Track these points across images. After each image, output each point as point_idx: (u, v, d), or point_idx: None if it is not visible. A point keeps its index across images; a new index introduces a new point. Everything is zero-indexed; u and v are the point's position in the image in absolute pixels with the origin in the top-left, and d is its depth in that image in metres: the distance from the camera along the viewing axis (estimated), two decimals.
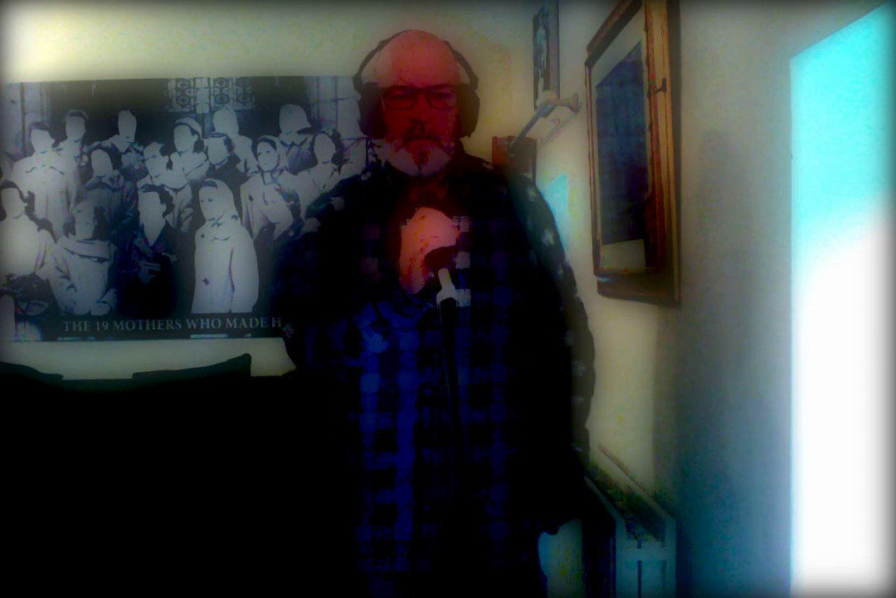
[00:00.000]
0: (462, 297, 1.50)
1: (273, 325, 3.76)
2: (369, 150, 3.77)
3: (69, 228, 3.81)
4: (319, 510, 1.63)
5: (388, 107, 1.50)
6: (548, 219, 1.64)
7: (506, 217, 1.59)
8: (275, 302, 1.67)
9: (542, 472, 1.60)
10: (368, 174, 1.64)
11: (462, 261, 1.52)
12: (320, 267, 1.55)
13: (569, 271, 1.67)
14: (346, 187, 1.64)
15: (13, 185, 3.80)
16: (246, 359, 3.56)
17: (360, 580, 1.55)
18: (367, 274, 1.51)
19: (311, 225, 1.60)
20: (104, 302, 3.83)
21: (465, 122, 1.56)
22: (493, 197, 1.61)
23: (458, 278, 1.49)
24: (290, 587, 2.84)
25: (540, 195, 1.66)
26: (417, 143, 1.48)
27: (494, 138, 3.62)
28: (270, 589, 2.87)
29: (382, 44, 1.55)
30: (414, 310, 1.42)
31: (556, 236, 1.65)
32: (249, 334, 3.81)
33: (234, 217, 3.83)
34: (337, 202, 1.60)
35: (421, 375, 1.51)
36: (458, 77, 1.54)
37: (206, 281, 3.83)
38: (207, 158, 3.82)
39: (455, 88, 1.51)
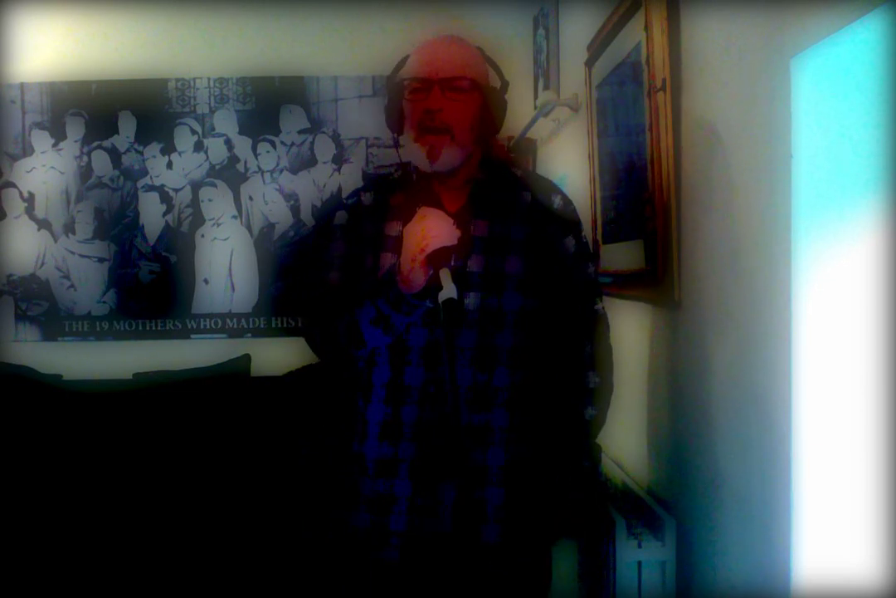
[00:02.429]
0: (472, 300, 1.51)
1: (273, 325, 3.76)
2: (369, 150, 3.77)
3: (69, 228, 3.80)
4: (320, 500, 1.66)
5: (406, 100, 1.53)
6: (570, 226, 1.61)
7: (527, 223, 1.57)
8: (278, 300, 1.73)
9: (548, 486, 1.57)
10: (398, 172, 1.66)
11: (476, 264, 1.53)
12: (343, 259, 1.60)
13: (592, 281, 1.64)
14: (376, 183, 1.68)
15: (13, 185, 3.80)
16: (246, 359, 3.56)
17: (359, 566, 1.58)
18: (370, 270, 1.53)
19: (340, 218, 1.64)
20: (104, 302, 3.83)
21: (489, 122, 1.57)
22: (517, 202, 1.60)
23: (470, 281, 1.50)
24: (293, 577, 2.84)
25: (567, 202, 1.63)
26: (430, 137, 1.50)
27: (494, 138, 3.61)
28: (274, 584, 2.87)
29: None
30: (412, 308, 1.43)
31: (580, 243, 1.61)
32: (249, 334, 3.80)
33: (234, 217, 3.82)
34: (366, 197, 1.64)
35: (427, 372, 1.52)
36: (483, 76, 1.56)
37: (206, 281, 3.83)
38: (207, 158, 3.82)
39: (476, 84, 1.52)
